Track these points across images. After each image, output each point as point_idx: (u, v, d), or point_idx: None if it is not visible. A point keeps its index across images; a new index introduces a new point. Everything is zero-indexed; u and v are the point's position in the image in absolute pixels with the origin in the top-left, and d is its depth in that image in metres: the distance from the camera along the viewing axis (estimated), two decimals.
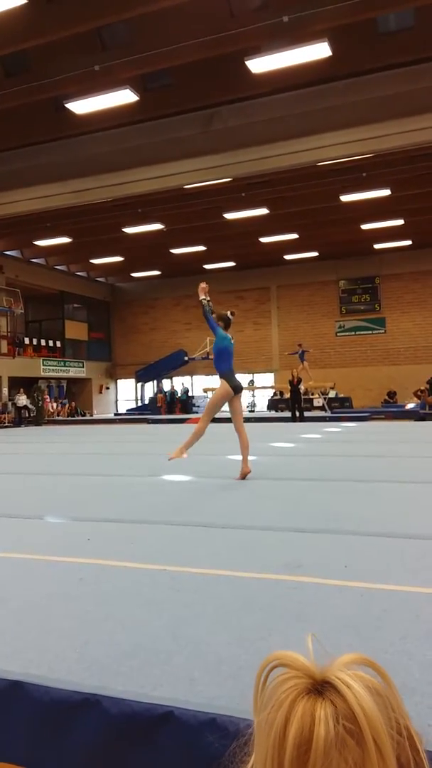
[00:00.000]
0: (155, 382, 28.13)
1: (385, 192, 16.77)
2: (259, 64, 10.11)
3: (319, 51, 9.75)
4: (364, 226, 20.41)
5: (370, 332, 25.80)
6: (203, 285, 6.43)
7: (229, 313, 6.51)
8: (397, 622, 2.30)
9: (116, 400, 30.49)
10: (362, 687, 0.51)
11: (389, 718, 0.52)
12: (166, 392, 27.15)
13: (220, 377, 6.31)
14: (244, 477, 6.22)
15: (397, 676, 0.56)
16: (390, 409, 21.40)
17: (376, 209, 18.59)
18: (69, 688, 1.84)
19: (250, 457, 8.52)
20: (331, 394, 23.13)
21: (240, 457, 6.38)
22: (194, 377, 28.47)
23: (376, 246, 23.45)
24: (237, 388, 6.25)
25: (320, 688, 0.52)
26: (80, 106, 11.40)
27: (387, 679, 0.54)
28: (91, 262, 25.47)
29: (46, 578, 3.00)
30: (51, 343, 26.35)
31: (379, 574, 2.92)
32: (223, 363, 6.29)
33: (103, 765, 1.75)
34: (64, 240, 21.12)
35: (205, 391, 26.25)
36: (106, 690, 1.80)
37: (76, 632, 2.27)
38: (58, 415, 25.19)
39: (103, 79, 10.52)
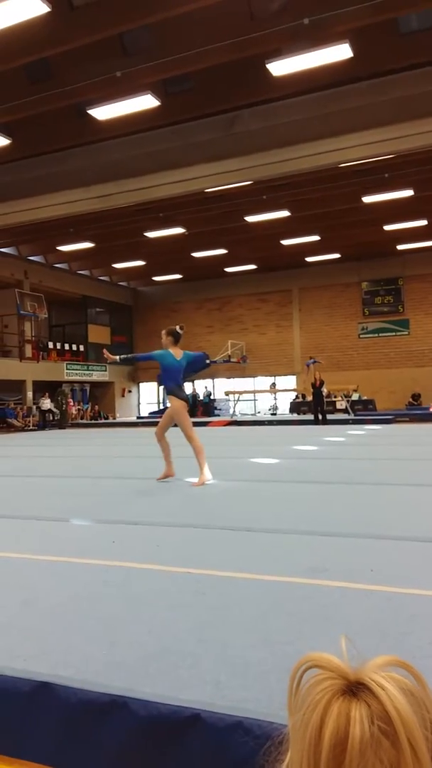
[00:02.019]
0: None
1: (408, 192, 16.63)
2: (280, 67, 10.11)
3: (340, 52, 9.71)
4: (387, 227, 20.26)
5: (394, 334, 25.57)
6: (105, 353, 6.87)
7: (178, 327, 6.72)
8: (426, 627, 2.27)
9: (138, 404, 30.64)
10: (396, 689, 0.51)
11: (423, 719, 0.52)
12: (188, 395, 27.18)
13: (168, 394, 6.57)
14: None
15: (427, 681, 0.56)
16: (414, 412, 21.18)
17: (398, 210, 18.43)
18: (96, 689, 1.85)
19: (268, 460, 8.51)
20: (354, 396, 22.96)
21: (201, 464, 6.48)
22: (216, 380, 28.50)
23: (399, 247, 23.25)
24: (185, 401, 6.60)
25: (354, 689, 0.52)
26: (102, 112, 11.51)
27: (421, 680, 0.55)
28: (113, 267, 25.65)
29: (72, 580, 3.03)
30: (74, 347, 26.57)
31: (405, 578, 2.89)
32: (169, 380, 6.55)
33: (131, 767, 1.76)
34: (87, 245, 21.31)
35: (227, 394, 26.26)
36: (134, 692, 1.81)
37: (102, 634, 2.28)
38: (81, 419, 25.39)
39: (125, 85, 10.60)
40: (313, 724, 0.51)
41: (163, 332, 6.67)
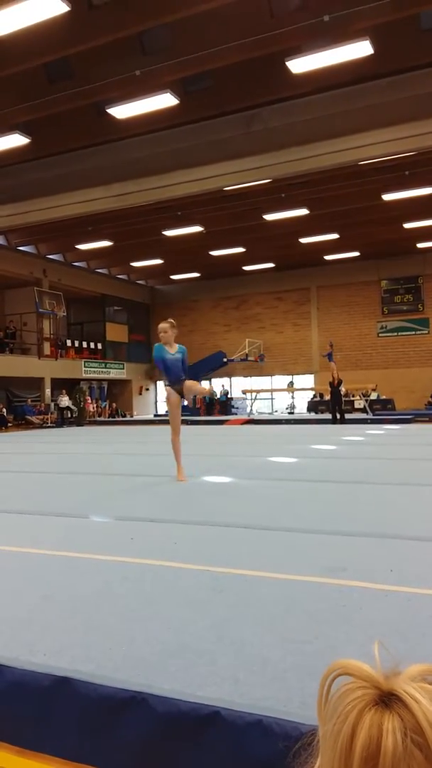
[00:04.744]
0: None
1: (429, 190, 16.47)
2: (299, 65, 10.06)
3: (360, 49, 9.65)
4: (407, 225, 20.09)
5: (413, 333, 25.35)
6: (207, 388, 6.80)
7: (170, 320, 6.72)
8: None
9: (156, 401, 30.73)
10: (430, 701, 0.50)
11: None
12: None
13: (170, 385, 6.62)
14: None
15: None
16: None
17: (419, 208, 18.28)
18: (116, 685, 1.86)
19: (286, 459, 8.49)
20: (373, 395, 22.81)
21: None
22: (233, 378, 28.49)
23: (419, 245, 23.05)
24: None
25: (387, 699, 0.51)
26: (121, 111, 11.55)
27: None
28: (131, 265, 25.75)
29: (91, 576, 3.04)
30: (92, 345, 26.72)
31: (425, 579, 2.86)
32: (170, 373, 6.61)
33: (150, 763, 1.76)
34: (105, 243, 21.41)
35: (244, 392, 26.24)
36: (153, 688, 1.81)
37: (122, 630, 2.29)
38: (99, 416, 25.52)
39: (144, 84, 10.63)
40: (344, 735, 0.50)
41: (166, 325, 6.55)
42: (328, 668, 0.55)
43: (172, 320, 6.65)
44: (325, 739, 0.52)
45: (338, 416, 17.88)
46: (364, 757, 0.49)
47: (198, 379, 27.70)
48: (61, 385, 23.66)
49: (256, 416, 23.32)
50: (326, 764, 0.52)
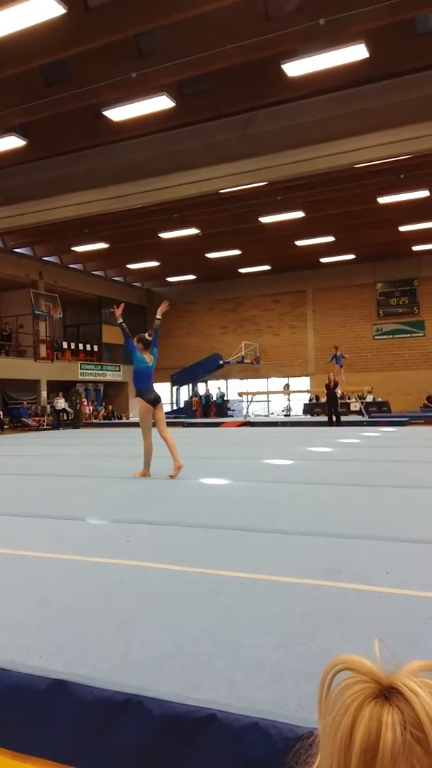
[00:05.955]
0: (190, 385, 28.24)
1: (424, 193, 16.53)
2: (295, 68, 10.09)
3: (356, 53, 9.67)
4: (402, 228, 20.14)
5: (409, 335, 25.40)
6: (117, 310, 7.41)
7: (146, 335, 7.31)
8: None
9: None
10: (429, 695, 0.50)
11: None
12: (201, 396, 27.22)
13: (137, 394, 7.13)
14: (178, 471, 6.73)
15: None
16: (430, 414, 21.02)
17: (414, 211, 18.33)
18: (112, 688, 1.85)
19: (282, 461, 8.49)
20: (369, 398, 22.84)
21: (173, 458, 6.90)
22: (229, 381, 28.48)
23: (415, 248, 23.10)
24: (153, 402, 7.01)
25: (387, 693, 0.51)
26: (118, 113, 11.55)
27: None
28: (127, 267, 25.73)
29: (87, 579, 3.04)
30: (88, 347, 26.68)
31: (422, 581, 2.87)
32: (137, 382, 7.15)
33: (146, 766, 1.76)
34: (102, 246, 21.40)
35: (240, 394, 26.23)
36: (149, 691, 1.81)
37: (117, 633, 2.29)
38: (94, 418, 25.49)
39: (140, 86, 10.63)
40: (343, 728, 0.50)
41: (135, 340, 7.17)
42: (330, 663, 0.56)
43: (142, 334, 7.28)
44: (324, 733, 0.52)
45: (334, 418, 17.90)
46: (364, 749, 0.49)
47: (194, 381, 27.80)
48: (57, 387, 23.61)
49: (252, 418, 23.32)
50: (326, 757, 0.52)
